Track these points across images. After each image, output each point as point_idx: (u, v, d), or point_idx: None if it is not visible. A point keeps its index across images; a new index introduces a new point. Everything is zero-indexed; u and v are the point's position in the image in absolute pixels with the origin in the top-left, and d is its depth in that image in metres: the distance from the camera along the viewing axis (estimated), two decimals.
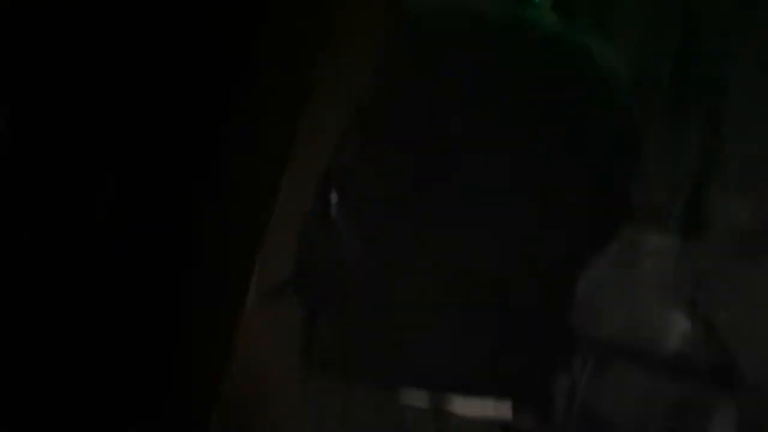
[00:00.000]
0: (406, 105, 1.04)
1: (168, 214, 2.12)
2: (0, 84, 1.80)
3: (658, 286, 1.45)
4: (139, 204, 2.08)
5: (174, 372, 2.10)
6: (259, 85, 2.20)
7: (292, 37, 2.16)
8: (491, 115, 1.01)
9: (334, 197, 1.10)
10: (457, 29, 1.06)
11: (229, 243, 2.16)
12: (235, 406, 2.03)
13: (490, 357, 1.10)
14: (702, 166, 1.46)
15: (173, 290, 2.12)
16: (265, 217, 2.07)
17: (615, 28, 1.57)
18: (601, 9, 1.59)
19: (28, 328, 1.89)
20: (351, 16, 2.04)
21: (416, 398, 1.08)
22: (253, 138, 2.21)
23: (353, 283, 1.06)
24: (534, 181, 1.06)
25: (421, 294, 1.06)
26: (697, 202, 1.45)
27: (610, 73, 1.07)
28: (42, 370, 1.92)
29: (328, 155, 1.23)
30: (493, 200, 1.06)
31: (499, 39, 1.06)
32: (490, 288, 1.09)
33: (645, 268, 1.47)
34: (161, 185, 2.12)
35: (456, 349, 1.09)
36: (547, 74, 1.04)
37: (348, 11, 2.05)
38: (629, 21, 1.58)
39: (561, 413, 1.43)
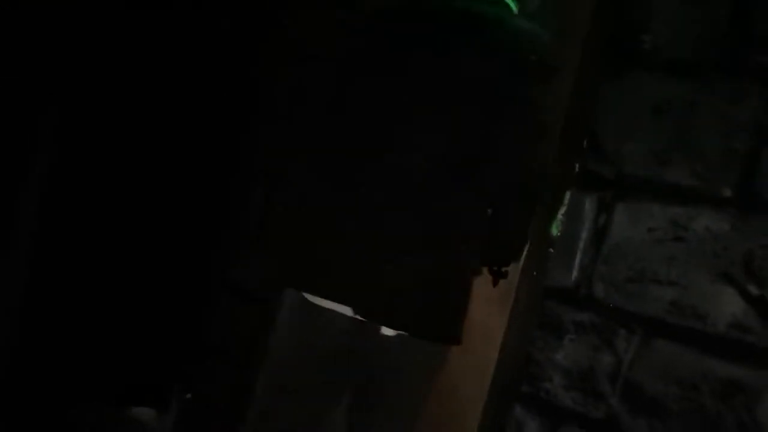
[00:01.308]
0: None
1: None
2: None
3: (709, 264, 1.42)
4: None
5: None
6: None
7: None
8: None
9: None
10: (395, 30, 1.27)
11: None
12: None
13: None
14: (755, 142, 1.41)
15: None
16: None
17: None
18: None
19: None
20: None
21: None
22: None
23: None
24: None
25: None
26: (750, 179, 1.40)
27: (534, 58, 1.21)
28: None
29: None
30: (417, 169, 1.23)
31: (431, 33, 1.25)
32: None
33: (695, 245, 1.44)
34: None
35: None
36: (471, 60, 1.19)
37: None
38: None
39: (604, 387, 1.46)
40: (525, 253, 1.61)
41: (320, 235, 1.52)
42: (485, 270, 1.63)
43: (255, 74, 2.29)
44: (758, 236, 1.37)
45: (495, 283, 1.62)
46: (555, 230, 1.65)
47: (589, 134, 1.63)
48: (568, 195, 1.64)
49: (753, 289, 1.36)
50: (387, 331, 1.53)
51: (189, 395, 2.31)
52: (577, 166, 1.64)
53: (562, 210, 1.64)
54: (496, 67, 1.32)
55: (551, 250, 1.64)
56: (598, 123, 1.62)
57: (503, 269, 1.61)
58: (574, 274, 1.59)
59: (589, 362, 1.52)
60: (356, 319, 1.49)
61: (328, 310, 1.50)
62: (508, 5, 1.44)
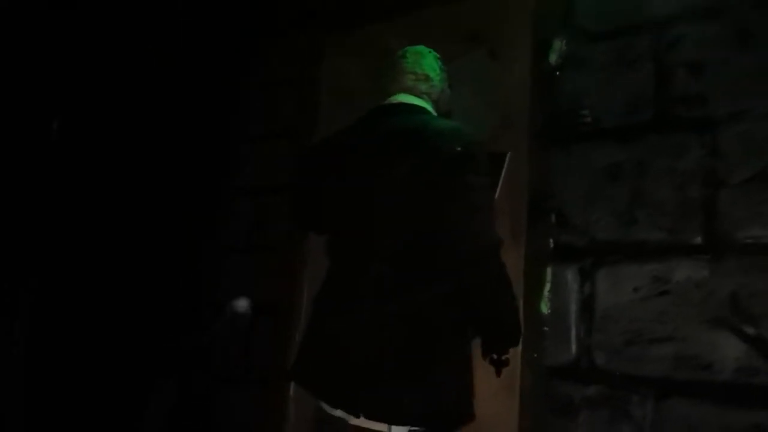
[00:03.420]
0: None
1: None
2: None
3: (699, 312, 1.43)
4: None
5: None
6: None
7: None
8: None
9: None
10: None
11: None
12: None
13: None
14: (709, 187, 1.47)
15: None
16: None
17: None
18: None
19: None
20: None
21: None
22: None
23: None
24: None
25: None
26: (713, 222, 1.45)
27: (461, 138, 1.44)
28: None
29: None
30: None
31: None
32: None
33: (681, 296, 1.46)
34: None
35: None
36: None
37: None
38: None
39: None
40: (521, 336, 1.60)
41: (324, 350, 1.52)
42: (486, 361, 1.61)
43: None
44: (737, 276, 1.40)
45: (498, 374, 1.59)
46: (545, 308, 1.65)
47: (554, 210, 1.69)
48: (549, 271, 1.67)
49: (748, 329, 1.37)
50: None
51: None
52: (551, 241, 1.68)
53: (547, 287, 1.66)
54: (428, 163, 1.43)
55: (545, 328, 1.64)
56: (560, 197, 1.68)
57: (503, 357, 1.59)
58: (573, 348, 1.58)
59: None
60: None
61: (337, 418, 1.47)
62: (429, 112, 1.59)
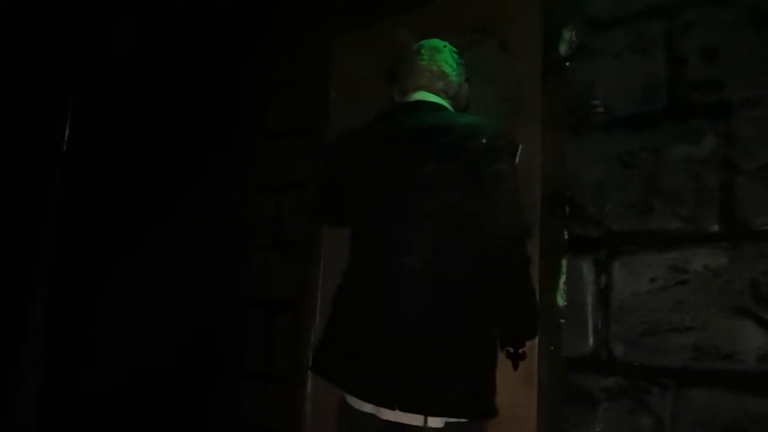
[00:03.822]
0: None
1: None
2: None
3: (718, 301, 1.41)
4: None
5: None
6: None
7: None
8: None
9: None
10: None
11: None
12: None
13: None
14: (725, 174, 1.44)
15: None
16: None
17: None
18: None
19: None
20: None
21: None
22: None
23: None
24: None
25: None
26: (731, 209, 1.42)
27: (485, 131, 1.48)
28: None
29: None
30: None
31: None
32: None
33: (699, 285, 1.44)
34: None
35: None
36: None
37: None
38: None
39: None
40: (538, 328, 1.60)
41: (354, 343, 1.53)
42: (504, 355, 1.61)
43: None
44: (757, 263, 1.38)
45: (516, 367, 1.59)
46: (560, 300, 1.64)
47: (568, 201, 1.68)
48: (564, 263, 1.66)
49: (765, 315, 1.35)
50: (434, 425, 1.47)
51: None
52: (565, 233, 1.67)
53: (563, 279, 1.65)
54: (456, 159, 1.43)
55: (562, 320, 1.63)
56: (574, 188, 1.67)
57: (521, 350, 1.59)
58: (590, 339, 1.57)
59: (630, 427, 1.47)
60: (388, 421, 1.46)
61: (362, 413, 1.48)
62: (448, 109, 1.59)
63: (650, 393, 1.46)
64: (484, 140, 1.44)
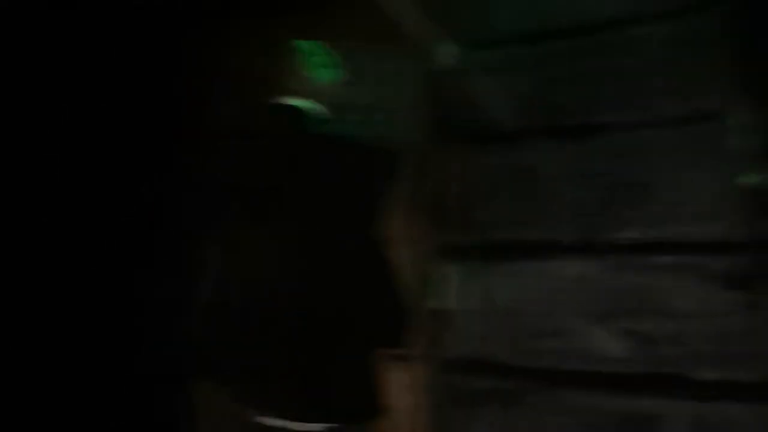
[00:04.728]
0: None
1: None
2: None
3: (585, 308, 1.54)
4: None
5: None
6: None
7: None
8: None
9: None
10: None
11: None
12: None
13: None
14: (591, 191, 1.58)
15: None
16: None
17: None
18: None
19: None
20: None
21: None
22: None
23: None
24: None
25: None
26: (595, 224, 1.56)
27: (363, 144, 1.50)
28: None
29: None
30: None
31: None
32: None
33: (570, 294, 1.56)
34: None
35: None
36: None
37: None
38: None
39: None
40: (415, 331, 1.65)
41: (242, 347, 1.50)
42: (381, 358, 1.66)
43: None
44: (617, 274, 1.52)
45: (397, 368, 1.65)
46: (443, 305, 1.71)
47: (451, 209, 1.75)
48: (445, 269, 1.73)
49: (627, 324, 1.49)
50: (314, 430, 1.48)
51: None
52: (447, 240, 1.74)
53: (446, 284, 1.72)
54: (330, 164, 1.46)
55: (444, 325, 1.70)
56: (458, 196, 1.75)
57: (398, 353, 1.65)
58: (471, 343, 1.66)
59: (505, 427, 1.57)
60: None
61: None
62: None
63: (526, 393, 1.57)
64: (352, 150, 1.47)
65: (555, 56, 1.68)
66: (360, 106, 1.82)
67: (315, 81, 1.62)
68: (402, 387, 1.70)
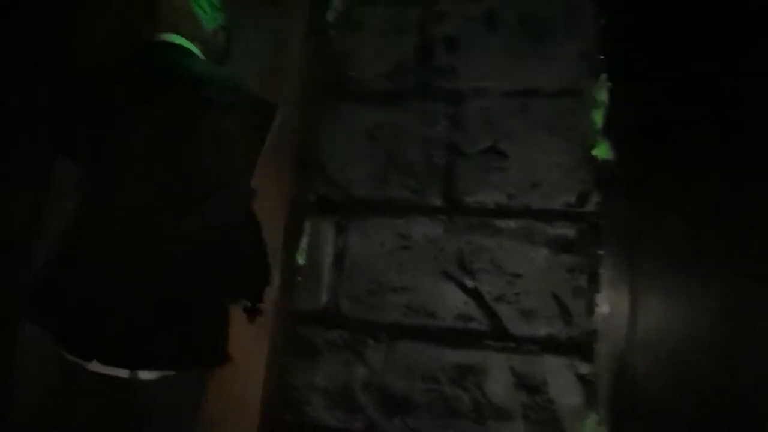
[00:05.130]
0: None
1: None
2: None
3: (431, 266, 1.59)
4: None
5: None
6: None
7: None
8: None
9: None
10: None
11: None
12: None
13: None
14: (449, 155, 1.62)
15: None
16: None
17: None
18: None
19: None
20: None
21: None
22: None
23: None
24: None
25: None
26: (451, 187, 1.61)
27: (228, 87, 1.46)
28: None
29: None
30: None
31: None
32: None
33: (418, 251, 1.61)
34: None
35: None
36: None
37: None
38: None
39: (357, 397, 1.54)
40: (273, 284, 1.64)
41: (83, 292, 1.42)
42: (240, 310, 1.63)
43: None
44: (465, 235, 1.58)
45: (251, 320, 1.63)
46: (301, 259, 1.71)
47: (318, 165, 1.74)
48: (308, 224, 1.72)
49: (468, 282, 1.56)
50: (145, 377, 1.44)
51: None
52: (312, 195, 1.74)
53: (306, 239, 1.72)
54: (199, 109, 1.40)
55: (299, 278, 1.70)
56: (324, 153, 1.74)
57: (257, 305, 1.63)
58: (323, 296, 1.67)
59: (345, 378, 1.60)
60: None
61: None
62: (195, 55, 1.54)
63: (367, 346, 1.60)
64: (221, 96, 1.42)
65: (437, 18, 1.70)
66: (237, 54, 1.76)
67: (198, 22, 1.55)
68: (250, 338, 1.68)
